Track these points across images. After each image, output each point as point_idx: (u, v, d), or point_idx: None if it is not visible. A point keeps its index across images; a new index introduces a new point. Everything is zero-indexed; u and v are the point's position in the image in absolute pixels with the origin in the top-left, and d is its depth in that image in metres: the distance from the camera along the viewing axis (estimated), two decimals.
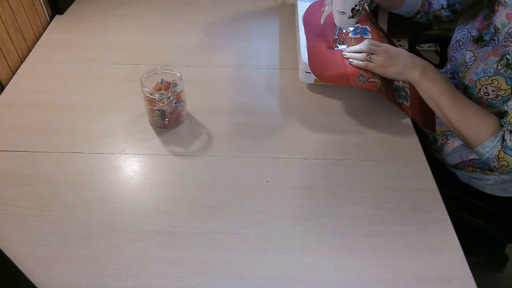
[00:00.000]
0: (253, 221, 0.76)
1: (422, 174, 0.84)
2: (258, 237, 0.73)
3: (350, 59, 0.94)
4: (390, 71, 0.88)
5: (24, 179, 0.81)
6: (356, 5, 0.88)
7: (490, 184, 0.94)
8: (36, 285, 0.65)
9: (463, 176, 0.98)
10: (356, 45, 0.97)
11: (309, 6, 1.14)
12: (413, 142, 0.91)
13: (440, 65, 1.19)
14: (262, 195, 0.80)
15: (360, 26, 1.05)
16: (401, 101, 0.93)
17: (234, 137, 0.91)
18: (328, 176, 0.83)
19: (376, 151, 0.89)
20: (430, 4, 1.07)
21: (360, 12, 0.91)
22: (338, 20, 0.94)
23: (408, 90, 0.95)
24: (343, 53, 0.96)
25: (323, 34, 1.04)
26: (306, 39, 1.02)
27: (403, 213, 0.78)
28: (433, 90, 0.84)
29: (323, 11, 1.04)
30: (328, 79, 0.93)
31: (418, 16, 1.10)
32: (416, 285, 0.68)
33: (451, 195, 0.90)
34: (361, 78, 0.91)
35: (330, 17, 1.08)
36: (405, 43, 2.27)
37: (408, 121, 0.95)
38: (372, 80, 0.90)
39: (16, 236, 0.72)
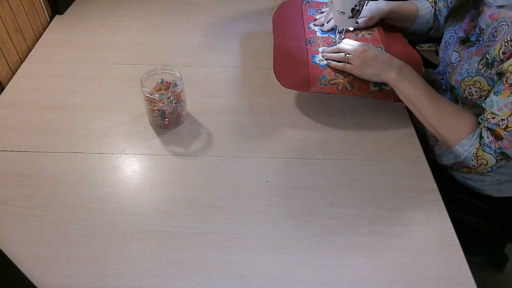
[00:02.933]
0: (253, 221, 0.76)
1: (422, 174, 0.84)
2: (258, 237, 0.73)
3: (328, 61, 0.94)
4: (367, 73, 0.88)
5: (24, 179, 0.81)
6: (356, 5, 0.88)
7: (486, 185, 0.94)
8: (36, 285, 0.65)
9: (459, 177, 0.98)
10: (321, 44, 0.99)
11: (280, 6, 1.14)
12: (413, 142, 0.91)
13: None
14: (262, 195, 0.80)
15: None
16: (377, 88, 0.92)
17: (234, 137, 0.91)
18: (328, 176, 0.83)
19: (376, 151, 0.89)
20: (439, 19, 1.07)
21: (360, 12, 0.91)
22: (338, 20, 0.94)
23: None
24: (322, 53, 0.96)
25: (291, 33, 1.04)
26: (274, 38, 1.03)
27: (403, 213, 0.78)
28: (410, 90, 0.84)
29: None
30: (290, 83, 0.92)
31: (431, 32, 1.10)
32: (416, 285, 0.68)
33: (451, 195, 0.90)
34: (323, 81, 0.91)
35: (299, 15, 1.08)
36: None
37: (408, 121, 0.95)
38: (334, 81, 0.91)
39: (16, 236, 0.72)
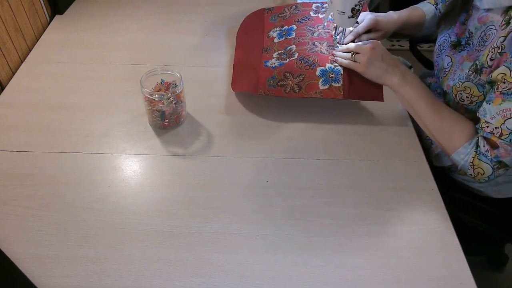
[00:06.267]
0: (253, 221, 0.76)
1: (422, 174, 0.84)
2: (258, 237, 0.73)
3: (335, 58, 0.94)
4: (370, 73, 0.88)
5: (24, 179, 0.81)
6: (356, 5, 0.88)
7: (484, 186, 0.94)
8: (36, 285, 0.65)
9: (458, 178, 0.98)
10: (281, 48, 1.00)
11: (243, 20, 1.17)
12: (413, 142, 0.91)
13: None
14: (262, 195, 0.80)
15: (287, 27, 1.05)
16: (327, 87, 0.91)
17: (234, 137, 0.91)
18: (328, 176, 0.83)
19: (376, 151, 0.89)
20: None
21: (360, 12, 0.91)
22: (338, 20, 0.94)
23: (340, 68, 0.93)
24: (333, 53, 0.96)
25: (250, 45, 1.06)
26: (235, 51, 1.06)
27: (403, 213, 0.78)
28: (411, 96, 0.84)
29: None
30: (239, 86, 0.95)
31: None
32: (416, 285, 0.68)
33: (450, 195, 0.90)
34: (272, 82, 0.92)
35: (261, 25, 1.10)
36: (405, 43, 2.27)
37: (408, 121, 0.95)
38: (282, 83, 0.92)
39: (16, 236, 0.72)
